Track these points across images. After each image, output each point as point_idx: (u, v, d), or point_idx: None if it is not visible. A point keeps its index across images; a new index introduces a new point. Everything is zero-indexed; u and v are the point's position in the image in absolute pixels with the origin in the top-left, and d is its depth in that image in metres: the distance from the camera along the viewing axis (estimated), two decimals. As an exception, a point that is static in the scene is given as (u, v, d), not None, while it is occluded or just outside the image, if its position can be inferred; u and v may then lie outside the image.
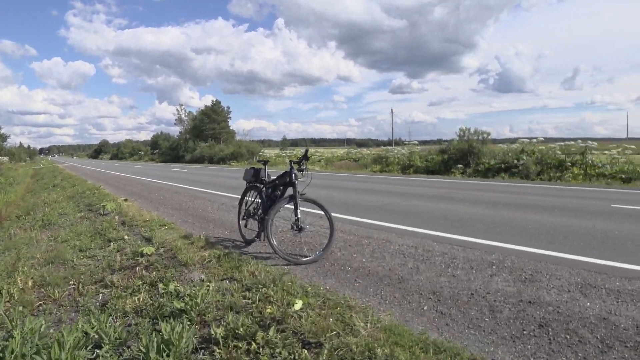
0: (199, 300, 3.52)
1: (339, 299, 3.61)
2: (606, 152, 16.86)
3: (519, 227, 6.50)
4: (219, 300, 3.66)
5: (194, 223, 7.38)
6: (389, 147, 30.74)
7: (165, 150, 60.85)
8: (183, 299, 3.59)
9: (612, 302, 3.58)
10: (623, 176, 14.02)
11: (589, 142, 16.22)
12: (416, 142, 26.01)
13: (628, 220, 7.00)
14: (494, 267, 4.52)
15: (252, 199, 5.86)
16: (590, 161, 15.35)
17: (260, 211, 5.49)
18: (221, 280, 4.22)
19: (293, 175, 5.08)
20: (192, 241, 5.72)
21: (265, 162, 5.93)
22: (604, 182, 13.81)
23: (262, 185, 5.58)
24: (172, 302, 3.58)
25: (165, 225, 6.94)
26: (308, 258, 4.89)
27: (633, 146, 17.59)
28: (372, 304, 3.66)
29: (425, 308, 3.60)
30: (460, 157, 19.46)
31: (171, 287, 3.92)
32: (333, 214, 5.16)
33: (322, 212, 5.00)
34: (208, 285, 3.91)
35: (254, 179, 5.70)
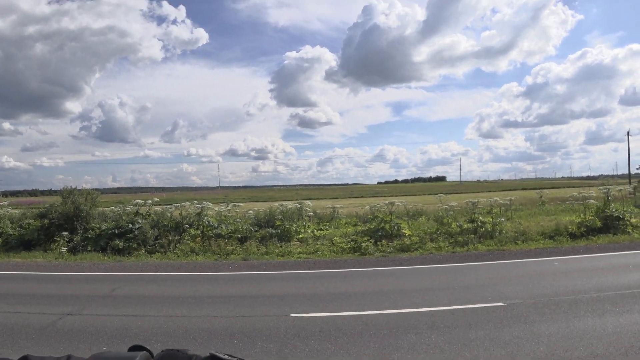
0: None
1: None
2: (216, 209, 17.17)
3: None
4: None
5: None
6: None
7: None
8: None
9: None
10: (239, 236, 14.25)
11: (205, 202, 16.09)
12: (5, 203, 19.94)
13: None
14: None
15: None
16: (206, 222, 15.07)
17: None
18: None
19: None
20: None
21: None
22: (222, 243, 13.53)
23: None
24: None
25: None
26: None
27: (241, 203, 18.89)
28: None
29: None
30: (64, 221, 15.79)
31: None
32: None
33: None
34: None
35: None
